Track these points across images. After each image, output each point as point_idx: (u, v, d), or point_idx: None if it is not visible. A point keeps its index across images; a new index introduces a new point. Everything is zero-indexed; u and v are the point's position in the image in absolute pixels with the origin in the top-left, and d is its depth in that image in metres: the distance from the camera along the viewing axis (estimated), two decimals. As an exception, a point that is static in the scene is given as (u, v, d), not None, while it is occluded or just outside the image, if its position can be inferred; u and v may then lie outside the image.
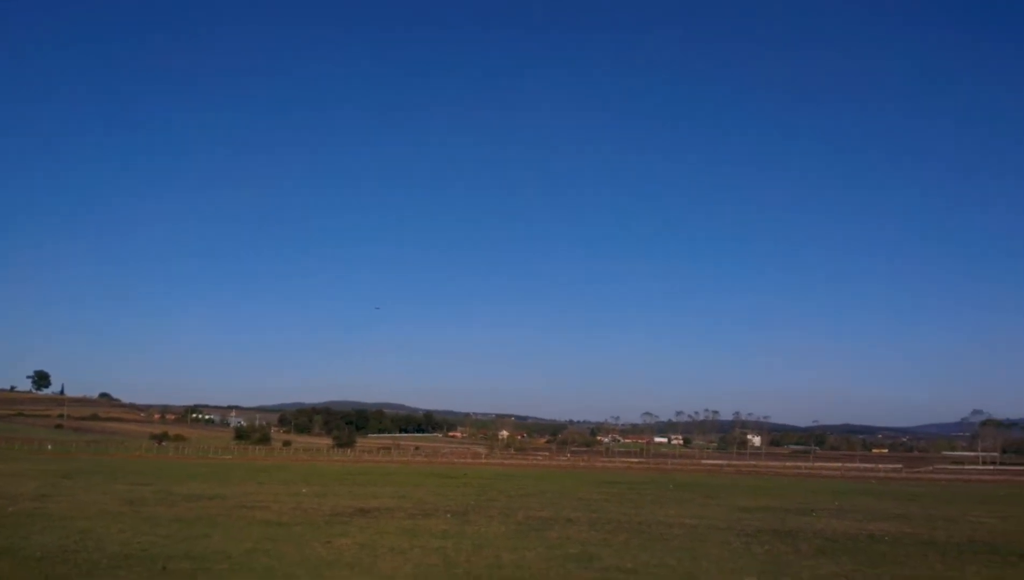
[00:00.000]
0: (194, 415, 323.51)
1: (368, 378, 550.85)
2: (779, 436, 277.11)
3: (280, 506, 31.72)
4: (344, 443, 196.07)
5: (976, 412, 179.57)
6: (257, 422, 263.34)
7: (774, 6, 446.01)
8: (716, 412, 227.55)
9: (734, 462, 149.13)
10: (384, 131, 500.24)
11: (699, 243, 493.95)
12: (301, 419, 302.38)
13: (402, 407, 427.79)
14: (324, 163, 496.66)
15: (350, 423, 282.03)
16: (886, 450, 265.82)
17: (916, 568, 19.09)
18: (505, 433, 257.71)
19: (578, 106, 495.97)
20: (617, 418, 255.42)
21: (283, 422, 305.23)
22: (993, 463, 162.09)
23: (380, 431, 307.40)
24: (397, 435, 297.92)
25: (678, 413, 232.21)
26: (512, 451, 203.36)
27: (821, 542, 23.73)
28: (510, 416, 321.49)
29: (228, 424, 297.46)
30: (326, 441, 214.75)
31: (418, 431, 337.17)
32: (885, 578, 17.40)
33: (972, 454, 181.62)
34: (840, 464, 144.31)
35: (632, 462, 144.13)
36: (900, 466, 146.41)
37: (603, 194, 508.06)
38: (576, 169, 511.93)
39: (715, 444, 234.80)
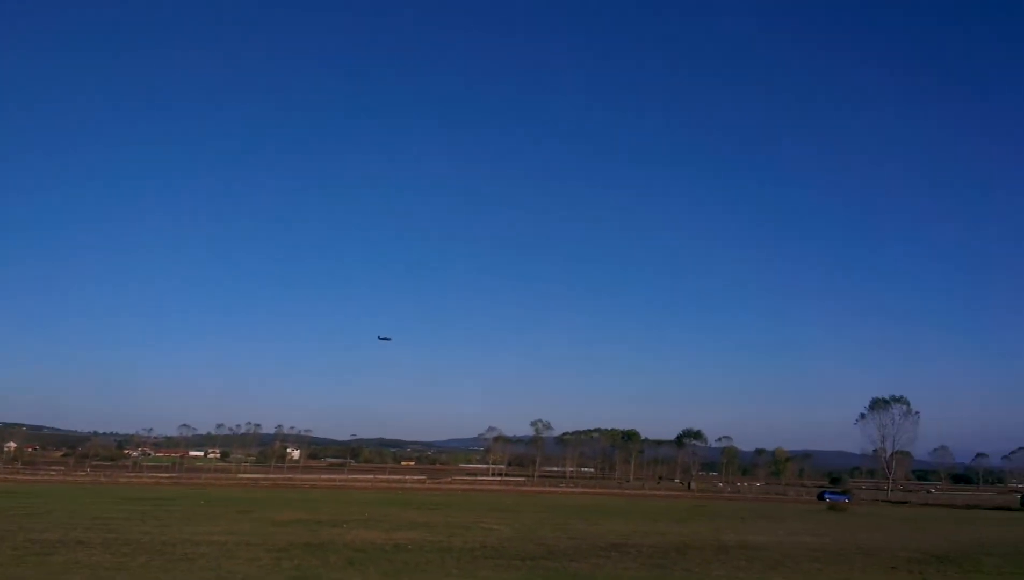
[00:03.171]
0: None
1: None
2: (319, 450, 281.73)
3: None
4: None
5: (491, 429, 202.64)
6: None
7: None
8: (258, 426, 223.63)
9: (271, 475, 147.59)
10: None
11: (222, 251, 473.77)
12: None
13: None
14: None
15: None
16: (413, 462, 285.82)
17: (435, 574, 20.47)
18: (13, 445, 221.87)
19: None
20: (150, 430, 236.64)
21: None
22: (501, 474, 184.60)
23: None
24: None
25: (219, 426, 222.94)
26: (20, 466, 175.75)
27: (351, 553, 24.26)
28: (20, 426, 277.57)
29: None
30: None
31: None
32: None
33: (484, 466, 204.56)
34: (372, 476, 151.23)
35: (161, 477, 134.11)
36: (424, 477, 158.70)
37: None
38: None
39: (253, 458, 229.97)
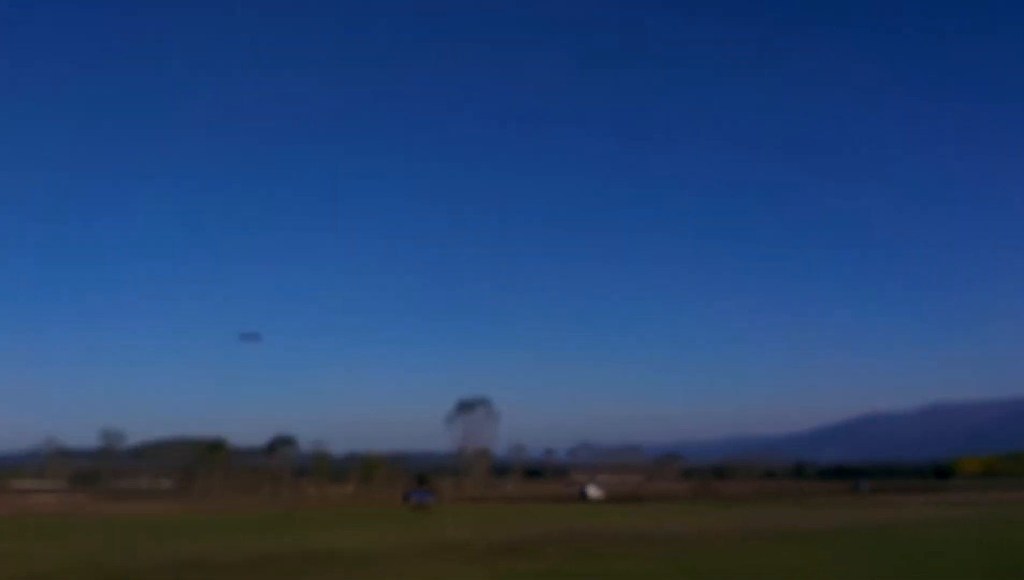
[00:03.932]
0: None
1: None
2: None
3: None
4: None
5: (48, 441, 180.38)
6: None
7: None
8: None
9: None
10: None
11: None
12: None
13: None
14: None
15: None
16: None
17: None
18: None
19: None
20: None
21: None
22: (61, 492, 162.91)
23: None
24: None
25: None
26: None
27: None
28: None
29: None
30: None
31: None
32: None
33: (39, 484, 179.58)
34: None
35: None
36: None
37: None
38: None
39: None
